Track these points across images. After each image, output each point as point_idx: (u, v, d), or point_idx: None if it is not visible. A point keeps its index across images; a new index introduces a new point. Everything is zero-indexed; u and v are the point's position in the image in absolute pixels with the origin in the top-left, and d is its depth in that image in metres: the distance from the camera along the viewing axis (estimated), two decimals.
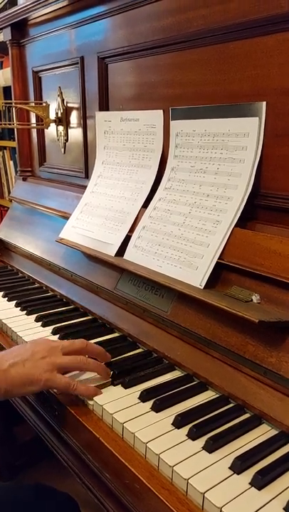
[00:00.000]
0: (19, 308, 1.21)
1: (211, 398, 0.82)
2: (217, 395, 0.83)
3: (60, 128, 1.55)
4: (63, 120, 1.53)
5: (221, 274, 0.92)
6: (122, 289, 1.10)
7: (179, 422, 0.74)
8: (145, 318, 1.02)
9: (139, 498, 0.67)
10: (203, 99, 1.02)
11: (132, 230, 1.13)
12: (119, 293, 1.10)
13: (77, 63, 1.38)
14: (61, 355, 0.83)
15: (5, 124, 1.58)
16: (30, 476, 1.64)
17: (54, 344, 0.85)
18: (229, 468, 0.65)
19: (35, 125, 1.68)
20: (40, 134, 1.69)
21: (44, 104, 1.56)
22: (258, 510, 0.58)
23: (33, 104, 1.61)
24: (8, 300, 1.27)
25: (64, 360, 0.82)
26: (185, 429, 0.72)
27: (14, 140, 1.94)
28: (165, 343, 0.95)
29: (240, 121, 0.93)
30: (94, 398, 0.81)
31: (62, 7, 1.38)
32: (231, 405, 0.80)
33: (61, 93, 1.51)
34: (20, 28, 1.64)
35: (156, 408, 0.78)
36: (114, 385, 0.85)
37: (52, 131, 1.61)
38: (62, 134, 1.55)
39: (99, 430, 0.76)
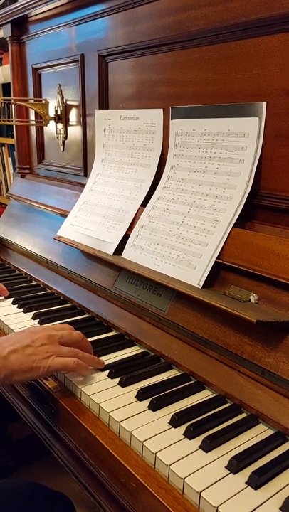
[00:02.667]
0: (16, 305, 1.21)
1: (208, 398, 0.82)
2: (214, 395, 0.83)
3: (60, 125, 1.55)
4: (62, 118, 1.52)
5: (219, 273, 0.92)
6: (119, 287, 1.10)
7: (175, 421, 0.74)
8: (143, 317, 1.02)
9: (135, 496, 0.67)
10: (203, 98, 1.02)
11: (130, 228, 1.13)
12: (117, 291, 1.10)
13: (78, 61, 1.38)
14: (59, 345, 0.84)
15: (4, 121, 1.57)
16: (24, 474, 1.64)
17: (53, 333, 0.85)
18: (226, 467, 0.65)
19: (34, 122, 1.67)
20: (39, 131, 1.69)
21: (43, 102, 1.56)
22: (254, 509, 0.58)
23: (32, 102, 1.61)
24: (6, 297, 1.26)
25: (62, 350, 0.83)
26: (182, 428, 0.72)
27: (13, 137, 1.94)
28: (162, 342, 0.95)
29: (240, 121, 0.93)
30: (91, 396, 0.81)
31: (63, 4, 1.37)
32: (228, 405, 0.80)
33: (61, 90, 1.51)
34: (21, 25, 1.63)
35: (153, 407, 0.78)
36: (111, 383, 0.85)
37: (51, 128, 1.61)
38: (62, 131, 1.54)
39: (95, 428, 0.76)
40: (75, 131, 1.49)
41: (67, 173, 1.56)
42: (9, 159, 2.76)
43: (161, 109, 1.12)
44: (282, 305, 0.80)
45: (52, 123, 1.57)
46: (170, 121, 1.09)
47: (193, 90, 1.04)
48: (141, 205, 1.14)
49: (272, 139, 0.89)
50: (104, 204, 1.24)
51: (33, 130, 1.74)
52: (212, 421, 0.74)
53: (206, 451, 0.68)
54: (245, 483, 0.62)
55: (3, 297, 1.26)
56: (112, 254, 1.13)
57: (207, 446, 0.68)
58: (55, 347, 0.83)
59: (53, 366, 0.80)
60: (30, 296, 1.27)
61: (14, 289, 1.32)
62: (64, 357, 0.83)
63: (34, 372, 0.79)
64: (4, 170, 2.83)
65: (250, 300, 0.84)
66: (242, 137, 0.93)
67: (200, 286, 0.91)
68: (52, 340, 0.83)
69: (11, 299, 1.24)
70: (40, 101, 1.58)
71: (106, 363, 0.91)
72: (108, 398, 0.80)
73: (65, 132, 1.54)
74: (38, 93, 1.64)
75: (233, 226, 0.91)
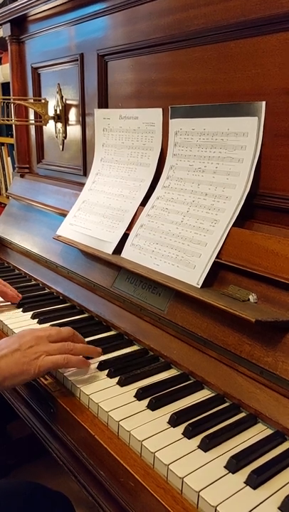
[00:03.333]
0: (15, 305, 1.20)
1: (207, 397, 0.82)
2: (213, 394, 0.83)
3: (59, 125, 1.55)
4: (62, 117, 1.52)
5: (218, 273, 0.92)
6: (119, 287, 1.10)
7: (174, 421, 0.74)
8: (142, 317, 1.02)
9: (133, 496, 0.67)
10: (203, 97, 1.02)
11: (129, 228, 1.12)
12: (116, 291, 1.10)
13: (77, 60, 1.38)
14: (48, 343, 0.84)
15: (3, 120, 1.57)
16: (24, 474, 1.63)
17: (40, 333, 0.85)
18: (224, 467, 0.65)
19: (33, 122, 1.67)
20: (39, 130, 1.69)
21: (43, 101, 1.56)
22: (253, 509, 0.58)
23: (31, 101, 1.61)
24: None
25: (52, 348, 0.83)
26: (181, 428, 0.72)
27: (12, 136, 1.93)
28: (161, 341, 0.95)
29: (239, 121, 0.93)
30: (90, 396, 0.81)
31: (62, 3, 1.37)
32: (227, 404, 0.80)
33: (60, 90, 1.51)
34: (20, 24, 1.63)
35: (152, 406, 0.78)
36: (110, 382, 0.85)
37: (50, 128, 1.61)
38: (61, 131, 1.54)
39: (94, 428, 0.76)
40: (74, 131, 1.49)
41: (67, 172, 1.55)
42: (9, 159, 2.76)
43: (161, 109, 1.12)
44: (281, 304, 0.80)
45: (51, 122, 1.57)
46: (169, 120, 1.09)
47: (193, 89, 1.04)
48: (140, 205, 1.14)
49: (271, 138, 0.89)
50: (103, 203, 1.24)
51: (32, 129, 1.73)
52: (211, 420, 0.74)
53: (205, 451, 0.68)
54: (244, 482, 0.62)
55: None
56: (111, 253, 1.13)
57: (206, 445, 0.68)
58: (44, 346, 0.83)
59: (43, 366, 0.80)
60: (29, 296, 1.27)
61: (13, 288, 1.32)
62: (54, 354, 0.83)
63: (25, 375, 0.80)
64: (4, 169, 2.83)
65: (249, 299, 0.84)
66: (241, 136, 0.93)
67: (199, 286, 0.91)
68: (40, 340, 0.83)
69: None
70: (40, 100, 1.58)
71: (105, 362, 0.91)
72: (107, 398, 0.80)
73: (65, 132, 1.53)
74: (37, 92, 1.64)
75: (233, 225, 0.91)
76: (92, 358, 0.91)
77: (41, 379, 0.90)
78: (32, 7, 1.45)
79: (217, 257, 0.91)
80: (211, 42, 0.97)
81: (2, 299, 1.21)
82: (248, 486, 0.61)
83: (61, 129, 1.54)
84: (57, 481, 1.49)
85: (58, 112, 1.53)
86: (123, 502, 0.69)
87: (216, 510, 0.58)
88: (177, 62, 1.06)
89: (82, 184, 1.36)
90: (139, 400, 0.80)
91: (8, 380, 0.79)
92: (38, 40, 1.58)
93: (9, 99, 1.57)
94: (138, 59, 1.17)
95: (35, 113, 1.60)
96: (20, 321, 1.12)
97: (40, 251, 1.43)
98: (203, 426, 0.73)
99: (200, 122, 1.01)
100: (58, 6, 1.39)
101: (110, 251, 1.13)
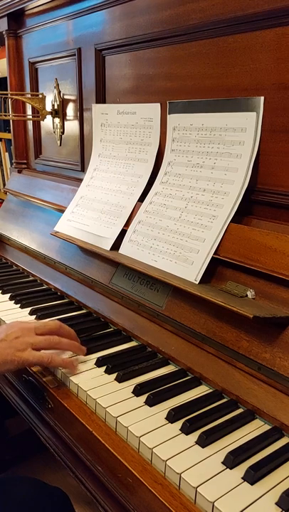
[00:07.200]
0: (13, 301, 1.20)
1: (205, 393, 0.82)
2: (211, 390, 0.83)
3: (56, 120, 1.54)
4: (59, 112, 1.51)
5: (216, 269, 0.92)
6: (117, 283, 1.10)
7: (172, 417, 0.74)
8: (140, 313, 1.02)
9: (131, 492, 0.67)
10: (201, 92, 1.01)
11: (127, 224, 1.12)
12: (114, 287, 1.10)
13: (74, 55, 1.37)
14: (34, 335, 0.86)
15: (0, 116, 1.56)
16: (22, 469, 1.64)
17: (27, 325, 0.88)
18: (222, 462, 0.65)
19: (31, 117, 1.66)
20: (36, 126, 1.68)
21: (40, 96, 1.55)
22: (251, 504, 0.58)
23: (29, 96, 1.60)
24: (3, 293, 1.26)
25: (37, 340, 0.86)
26: (178, 424, 0.73)
27: (10, 132, 1.92)
28: (159, 337, 0.95)
29: (237, 116, 0.93)
30: (87, 392, 0.81)
31: None
32: (225, 400, 0.80)
33: (58, 85, 1.50)
34: (17, 18, 1.62)
35: (150, 402, 0.78)
36: (108, 379, 0.85)
37: (48, 123, 1.60)
38: (59, 126, 1.54)
39: (92, 424, 0.76)
40: (72, 126, 1.48)
41: (65, 168, 1.55)
42: (6, 154, 2.74)
43: (159, 104, 1.12)
44: (279, 300, 0.80)
45: (49, 117, 1.56)
46: (167, 115, 1.08)
47: (191, 84, 1.03)
48: (138, 201, 1.13)
49: (269, 133, 0.89)
50: (101, 199, 1.23)
51: (30, 125, 1.73)
52: (208, 416, 0.74)
53: (203, 447, 0.68)
54: (242, 478, 0.62)
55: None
56: (109, 249, 1.13)
57: (203, 441, 0.68)
58: (30, 338, 0.85)
59: (27, 360, 0.83)
60: (27, 292, 1.27)
61: (11, 284, 1.32)
62: (40, 346, 0.85)
63: (9, 365, 0.82)
64: (1, 165, 2.81)
65: (247, 295, 0.84)
66: (239, 132, 0.93)
67: (197, 282, 0.90)
68: (26, 332, 0.86)
69: (8, 295, 1.23)
70: (37, 95, 1.57)
71: (103, 358, 0.91)
72: (105, 394, 0.80)
73: (62, 127, 1.53)
74: (34, 87, 1.63)
75: (231, 221, 0.91)
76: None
77: (39, 375, 0.90)
78: (29, 1, 1.44)
79: (215, 253, 0.91)
80: (209, 36, 0.96)
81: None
82: (245, 482, 0.62)
83: (59, 125, 1.53)
84: (55, 476, 1.49)
85: (56, 107, 1.52)
86: (121, 497, 0.69)
87: (213, 505, 0.58)
88: (175, 57, 1.06)
89: (80, 180, 1.35)
90: (137, 396, 0.80)
91: None
92: (35, 35, 1.57)
93: (6, 94, 1.56)
94: (136, 54, 1.17)
95: (33, 108, 1.59)
96: (18, 317, 1.11)
97: (38, 247, 1.43)
98: (201, 422, 0.73)
99: (198, 117, 1.01)
100: None
101: (108, 247, 1.13)
